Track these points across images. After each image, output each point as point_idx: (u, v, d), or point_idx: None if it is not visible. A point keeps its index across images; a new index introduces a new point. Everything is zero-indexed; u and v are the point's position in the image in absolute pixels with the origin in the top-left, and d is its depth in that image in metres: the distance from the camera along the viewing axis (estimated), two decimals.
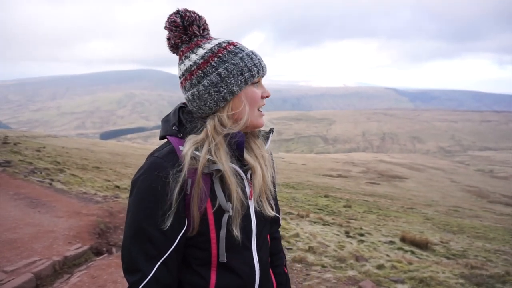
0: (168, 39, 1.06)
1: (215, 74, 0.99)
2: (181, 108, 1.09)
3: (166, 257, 0.95)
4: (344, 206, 16.19)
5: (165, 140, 1.05)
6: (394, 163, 62.71)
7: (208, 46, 1.02)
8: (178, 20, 1.02)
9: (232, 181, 0.96)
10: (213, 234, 0.98)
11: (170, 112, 1.09)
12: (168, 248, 0.95)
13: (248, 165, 1.04)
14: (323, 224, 9.51)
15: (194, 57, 1.01)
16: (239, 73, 0.99)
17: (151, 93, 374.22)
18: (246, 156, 1.04)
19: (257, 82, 1.04)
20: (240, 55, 1.00)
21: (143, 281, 0.93)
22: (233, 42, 1.03)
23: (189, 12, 1.03)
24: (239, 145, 1.00)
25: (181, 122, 1.05)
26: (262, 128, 1.14)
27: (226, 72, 0.98)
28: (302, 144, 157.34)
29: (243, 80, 0.99)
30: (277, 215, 1.27)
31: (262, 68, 1.03)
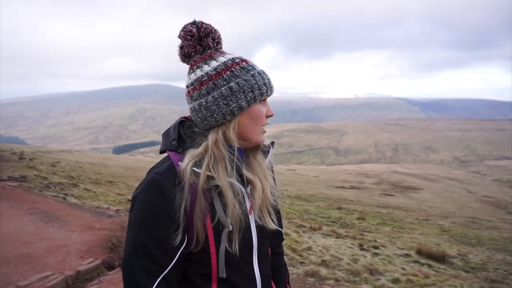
0: (181, 47, 1.07)
1: (226, 87, 1.00)
2: (182, 123, 1.09)
3: (167, 273, 0.95)
4: (358, 218, 15.92)
5: (165, 154, 1.06)
6: (407, 173, 61.72)
7: (222, 59, 1.03)
8: (194, 30, 1.03)
9: (230, 197, 0.96)
10: (213, 249, 0.98)
11: (171, 126, 1.09)
12: (168, 264, 0.95)
13: (248, 180, 1.04)
14: (336, 237, 9.36)
15: (206, 68, 1.02)
16: (249, 89, 1.00)
17: (163, 107, 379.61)
18: (245, 171, 1.04)
19: (264, 100, 1.06)
20: (252, 73, 1.02)
21: None
22: (245, 59, 1.05)
23: (205, 24, 1.05)
24: (238, 160, 1.01)
25: (181, 137, 1.05)
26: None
27: (237, 87, 1.00)
28: (314, 156, 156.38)
29: (252, 97, 1.01)
30: (279, 229, 1.26)
31: (271, 88, 1.05)
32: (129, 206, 1.01)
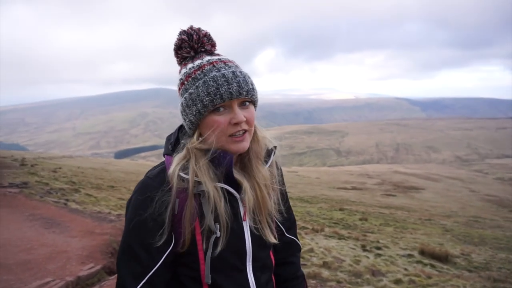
0: None
1: (180, 103, 1.03)
2: (182, 127, 1.09)
3: (151, 275, 0.96)
4: (360, 219, 15.88)
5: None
6: (409, 173, 61.58)
7: (183, 71, 1.04)
8: (174, 43, 1.06)
9: (217, 202, 0.95)
10: (201, 255, 0.98)
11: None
12: (153, 266, 0.96)
13: (240, 185, 1.02)
14: (339, 238, 9.34)
15: (177, 80, 1.06)
16: (193, 103, 0.98)
17: (163, 111, 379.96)
18: (237, 176, 1.01)
19: (223, 107, 0.98)
20: (198, 83, 0.98)
21: None
22: (203, 65, 1.01)
23: (182, 34, 1.05)
24: (227, 166, 0.98)
25: (177, 141, 1.06)
26: (268, 146, 1.12)
27: (185, 102, 1.00)
28: (315, 158, 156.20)
29: (197, 111, 0.97)
30: (292, 237, 1.25)
31: (220, 96, 0.95)
32: None
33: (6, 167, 15.11)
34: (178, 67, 1.09)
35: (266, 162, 1.09)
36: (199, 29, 1.05)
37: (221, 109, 0.97)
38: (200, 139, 1.00)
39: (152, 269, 0.96)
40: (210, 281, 0.98)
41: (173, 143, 1.06)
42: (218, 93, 0.95)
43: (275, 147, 1.12)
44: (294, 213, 1.30)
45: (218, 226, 0.96)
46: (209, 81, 0.96)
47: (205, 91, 0.96)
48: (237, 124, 0.98)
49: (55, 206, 7.54)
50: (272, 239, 1.07)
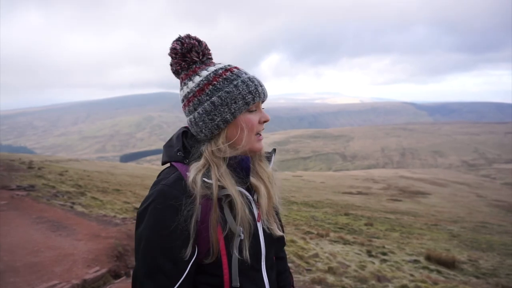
0: (171, 65, 1.08)
1: (209, 102, 1.00)
2: (184, 133, 1.09)
3: (178, 286, 0.93)
4: (365, 224, 15.77)
5: (167, 165, 1.06)
6: (415, 178, 61.10)
7: (204, 73, 1.03)
8: (178, 47, 1.04)
9: (240, 205, 0.97)
10: (224, 259, 0.97)
11: (173, 137, 1.09)
12: (179, 277, 0.94)
13: (254, 187, 1.05)
14: (344, 243, 9.28)
15: (191, 84, 1.04)
16: (232, 101, 0.98)
17: (169, 115, 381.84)
18: (252, 179, 1.04)
19: (256, 107, 1.04)
20: (235, 82, 1.00)
21: None
22: (230, 68, 1.04)
23: (189, 38, 1.04)
24: (245, 169, 1.01)
25: (185, 148, 1.05)
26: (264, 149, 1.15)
27: (219, 101, 0.99)
28: (320, 162, 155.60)
29: (236, 109, 0.99)
30: (281, 234, 1.27)
31: (259, 94, 1.02)
32: (136, 214, 1.00)
33: (14, 170, 15.26)
34: (180, 70, 1.08)
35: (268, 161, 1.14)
36: (197, 38, 1.07)
37: (254, 108, 1.03)
38: (228, 143, 1.01)
39: (179, 280, 0.93)
40: (238, 284, 0.97)
41: (181, 149, 1.04)
42: (257, 92, 1.02)
43: (275, 149, 1.17)
44: (298, 217, 1.33)
45: (240, 229, 0.97)
46: (247, 81, 1.01)
47: (246, 89, 1.00)
48: (265, 122, 1.06)
49: (61, 209, 7.59)
50: (280, 232, 1.11)
